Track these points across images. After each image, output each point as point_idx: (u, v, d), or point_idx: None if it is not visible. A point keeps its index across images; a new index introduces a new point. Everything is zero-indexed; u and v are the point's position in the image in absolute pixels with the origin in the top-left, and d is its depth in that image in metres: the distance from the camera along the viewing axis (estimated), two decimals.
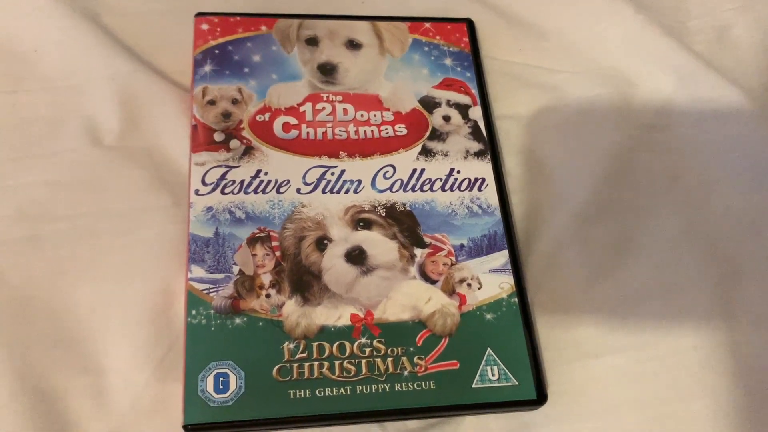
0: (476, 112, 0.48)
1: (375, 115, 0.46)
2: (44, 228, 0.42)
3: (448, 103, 0.48)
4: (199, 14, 0.49)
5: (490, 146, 0.47)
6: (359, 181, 0.44)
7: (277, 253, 0.41)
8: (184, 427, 0.36)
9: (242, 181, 0.43)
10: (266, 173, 0.43)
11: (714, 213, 0.47)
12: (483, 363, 0.39)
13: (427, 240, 0.43)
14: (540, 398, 0.39)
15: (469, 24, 0.52)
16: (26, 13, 0.48)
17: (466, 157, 0.46)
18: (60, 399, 0.37)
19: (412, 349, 0.39)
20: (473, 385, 0.39)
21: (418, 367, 0.39)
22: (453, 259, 0.42)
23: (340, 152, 0.45)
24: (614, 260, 0.45)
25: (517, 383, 0.39)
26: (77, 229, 0.42)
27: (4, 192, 0.43)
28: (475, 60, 0.50)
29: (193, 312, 0.39)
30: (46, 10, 0.48)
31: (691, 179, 0.48)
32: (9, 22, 0.48)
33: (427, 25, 0.51)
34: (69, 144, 0.45)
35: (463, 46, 0.50)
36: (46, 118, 0.45)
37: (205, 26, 0.48)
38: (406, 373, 0.39)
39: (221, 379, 0.37)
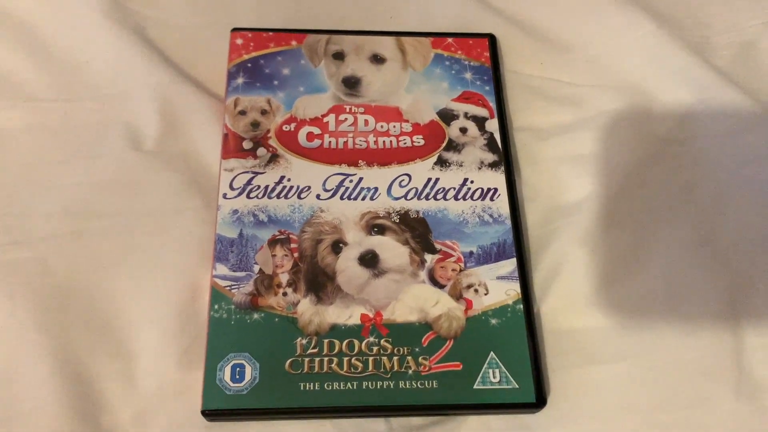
0: (493, 125, 0.50)
1: (394, 126, 0.49)
2: (87, 224, 0.46)
3: (466, 116, 0.50)
4: (234, 29, 0.52)
5: (504, 157, 0.48)
6: (376, 189, 0.46)
7: (295, 255, 0.44)
8: (203, 412, 0.39)
9: (267, 187, 0.46)
10: (289, 179, 0.46)
11: (728, 226, 0.48)
12: (485, 366, 0.41)
13: (438, 246, 0.45)
14: (539, 402, 0.41)
15: (491, 39, 0.53)
16: (81, 27, 0.53)
17: (480, 168, 0.48)
18: (93, 381, 0.41)
19: (417, 349, 0.41)
20: (474, 386, 0.41)
21: (422, 366, 0.41)
22: (462, 265, 0.44)
23: (360, 161, 0.47)
24: (623, 269, 0.46)
25: (517, 386, 0.41)
26: (117, 226, 0.46)
27: (54, 191, 0.47)
28: (494, 74, 0.52)
29: (216, 306, 0.42)
30: (98, 24, 0.53)
31: (706, 192, 0.49)
32: (66, 35, 0.53)
33: (450, 40, 0.53)
34: (112, 148, 0.49)
35: (483, 61, 0.52)
36: (93, 123, 0.50)
37: (239, 41, 0.51)
38: (410, 371, 0.41)
39: (238, 369, 0.40)
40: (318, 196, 0.46)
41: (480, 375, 0.41)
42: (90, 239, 0.45)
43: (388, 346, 0.41)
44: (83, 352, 0.42)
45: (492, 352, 0.42)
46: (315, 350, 0.41)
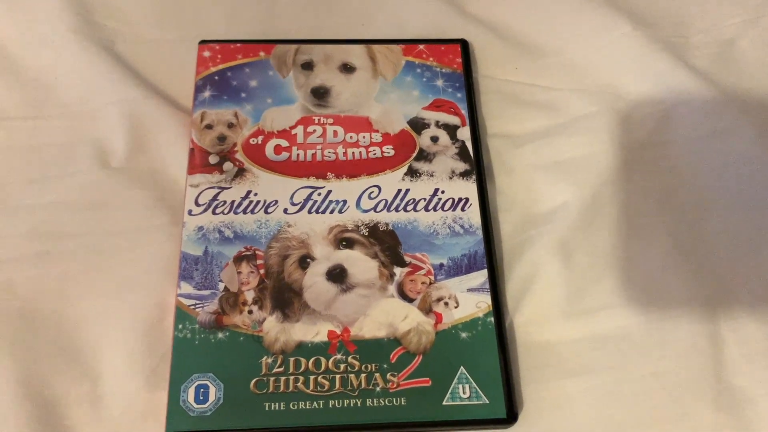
0: (464, 133, 0.49)
1: (364, 137, 0.48)
2: (54, 245, 0.45)
3: (437, 124, 0.49)
4: (202, 42, 0.51)
5: (476, 166, 0.47)
6: (344, 201, 0.45)
7: (262, 271, 0.43)
8: None
9: (233, 202, 0.45)
10: (256, 194, 0.45)
11: (708, 232, 0.47)
12: (455, 381, 0.40)
13: (407, 259, 0.44)
14: (510, 417, 0.40)
15: (463, 45, 0.52)
16: (49, 43, 0.52)
17: (451, 177, 0.47)
18: (59, 404, 0.40)
19: (385, 365, 0.41)
20: (444, 403, 0.40)
21: (390, 383, 0.40)
22: (432, 278, 0.43)
23: (328, 173, 0.46)
24: (599, 279, 0.45)
25: (487, 402, 0.40)
26: (83, 246, 0.45)
27: (21, 211, 0.46)
28: (467, 80, 0.51)
29: (180, 326, 0.41)
30: (66, 40, 0.52)
31: (684, 198, 0.48)
32: (33, 52, 0.52)
33: (421, 47, 0.52)
34: (80, 166, 0.48)
35: (455, 67, 0.51)
36: (61, 141, 0.49)
37: (207, 53, 0.51)
38: (378, 389, 0.40)
39: (202, 390, 0.39)
40: (285, 211, 0.45)
41: (449, 391, 0.40)
42: (56, 260, 0.45)
43: (356, 363, 0.41)
44: (49, 375, 0.41)
45: (462, 367, 0.41)
46: (280, 369, 0.40)
